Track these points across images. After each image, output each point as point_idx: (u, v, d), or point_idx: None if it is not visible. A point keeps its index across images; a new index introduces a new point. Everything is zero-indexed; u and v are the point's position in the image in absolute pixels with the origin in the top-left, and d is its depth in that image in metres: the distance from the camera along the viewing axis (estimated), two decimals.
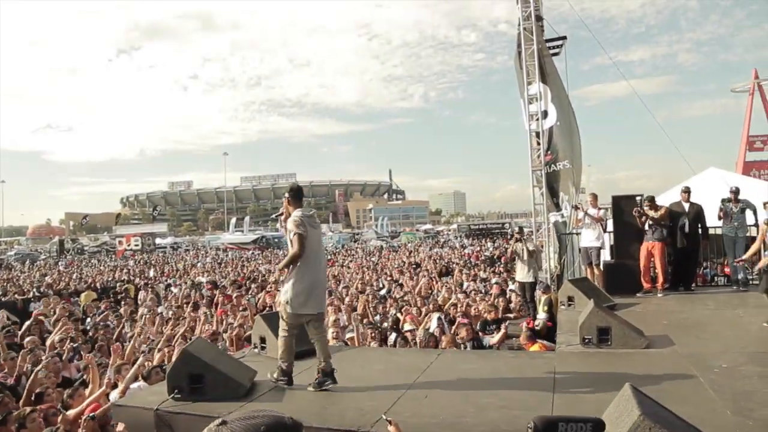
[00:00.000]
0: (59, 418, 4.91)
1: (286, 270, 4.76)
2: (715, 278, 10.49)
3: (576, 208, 10.32)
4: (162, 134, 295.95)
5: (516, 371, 5.03)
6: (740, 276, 8.78)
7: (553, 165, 12.69)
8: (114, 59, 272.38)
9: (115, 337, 8.93)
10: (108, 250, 58.96)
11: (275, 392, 4.61)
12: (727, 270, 10.04)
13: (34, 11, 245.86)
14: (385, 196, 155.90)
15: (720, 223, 8.99)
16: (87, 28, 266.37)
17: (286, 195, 4.86)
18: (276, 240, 57.76)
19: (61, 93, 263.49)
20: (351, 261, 27.05)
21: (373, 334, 7.95)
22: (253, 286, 16.22)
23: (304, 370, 5.00)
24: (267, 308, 10.97)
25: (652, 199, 8.75)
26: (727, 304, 7.71)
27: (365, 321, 9.19)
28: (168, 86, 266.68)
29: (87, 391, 5.85)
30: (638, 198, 8.93)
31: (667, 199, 9.52)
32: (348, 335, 8.35)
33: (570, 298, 7.66)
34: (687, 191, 8.97)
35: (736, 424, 3.42)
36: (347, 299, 11.92)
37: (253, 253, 42.76)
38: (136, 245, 57.96)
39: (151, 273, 26.05)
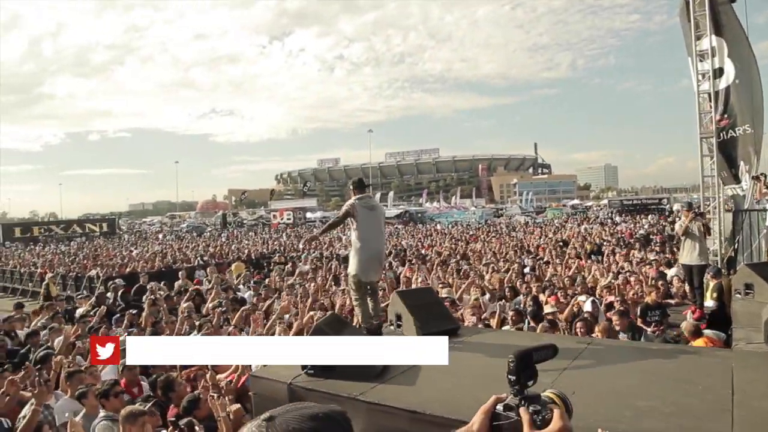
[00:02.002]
0: (207, 376, 5.13)
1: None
2: None
3: (757, 179, 8.75)
4: (311, 114, 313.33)
5: (684, 371, 4.26)
6: None
7: (730, 130, 10.90)
8: (267, 45, 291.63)
9: (262, 308, 9.27)
10: (264, 223, 63.95)
11: (407, 376, 4.37)
12: None
13: (194, 8, 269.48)
14: (530, 170, 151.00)
15: None
16: (242, 19, 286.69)
17: (350, 186, 5.83)
18: (419, 215, 58.46)
19: (222, 80, 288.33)
20: (494, 237, 26.28)
21: (513, 316, 7.50)
22: (395, 260, 16.33)
23: None
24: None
25: None
26: None
27: (503, 301, 8.74)
28: (316, 68, 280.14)
29: None
30: None
31: None
32: (488, 313, 8.02)
33: (748, 286, 6.46)
34: None
35: None
36: (487, 277, 11.48)
37: (396, 227, 43.36)
38: (289, 219, 62.08)
39: (300, 246, 27.34)
